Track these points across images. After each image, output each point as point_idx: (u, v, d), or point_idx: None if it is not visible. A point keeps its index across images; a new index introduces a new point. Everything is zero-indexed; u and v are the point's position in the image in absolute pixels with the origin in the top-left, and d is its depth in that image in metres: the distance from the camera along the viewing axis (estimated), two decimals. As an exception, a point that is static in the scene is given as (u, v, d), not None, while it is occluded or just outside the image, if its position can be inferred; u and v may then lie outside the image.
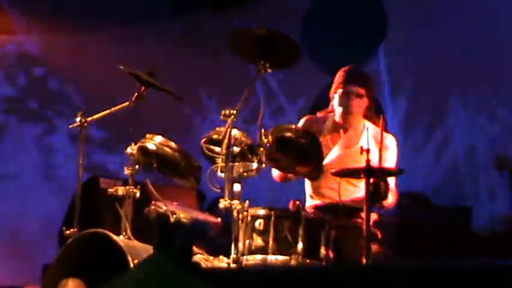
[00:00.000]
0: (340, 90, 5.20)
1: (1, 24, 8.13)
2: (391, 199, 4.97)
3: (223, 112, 4.56)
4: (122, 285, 2.42)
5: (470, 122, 7.44)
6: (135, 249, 4.50)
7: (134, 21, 8.25)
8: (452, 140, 7.47)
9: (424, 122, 7.55)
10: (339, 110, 5.23)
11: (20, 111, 8.28)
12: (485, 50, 7.30)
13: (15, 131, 8.24)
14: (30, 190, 8.05)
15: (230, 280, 2.52)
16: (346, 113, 5.21)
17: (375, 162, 4.72)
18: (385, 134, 5.19)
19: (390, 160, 5.17)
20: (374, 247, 4.71)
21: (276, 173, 5.22)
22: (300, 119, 5.38)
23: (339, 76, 5.24)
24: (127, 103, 5.10)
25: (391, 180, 5.11)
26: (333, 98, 5.27)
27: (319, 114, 5.39)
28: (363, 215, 4.59)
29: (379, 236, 5.01)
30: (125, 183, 4.87)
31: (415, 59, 7.54)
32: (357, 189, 5.07)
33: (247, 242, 4.51)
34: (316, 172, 4.87)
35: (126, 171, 4.84)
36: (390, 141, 5.24)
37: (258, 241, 4.53)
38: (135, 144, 4.83)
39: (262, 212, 4.56)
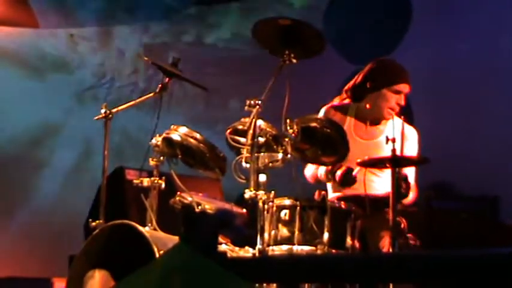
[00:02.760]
0: (390, 89, 5.15)
1: (22, 17, 8.16)
2: (411, 196, 4.96)
3: (248, 102, 4.55)
4: (147, 275, 2.43)
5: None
6: (161, 240, 4.51)
7: (154, 15, 8.27)
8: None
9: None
10: (386, 107, 5.18)
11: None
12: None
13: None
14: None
15: (256, 269, 2.52)
16: (394, 111, 5.16)
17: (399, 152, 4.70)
18: (407, 126, 5.17)
19: (411, 151, 5.14)
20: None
21: (309, 173, 5.21)
22: (321, 108, 5.35)
23: (384, 72, 5.19)
24: (151, 94, 5.10)
25: (411, 175, 5.08)
26: (368, 90, 5.20)
27: (335, 102, 5.35)
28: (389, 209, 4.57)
29: (403, 225, 4.99)
30: (150, 175, 4.88)
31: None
32: (380, 180, 5.06)
33: (272, 232, 4.51)
34: (341, 163, 4.86)
35: (151, 163, 4.85)
36: (411, 132, 5.21)
37: (284, 231, 4.53)
38: (160, 135, 4.84)
39: (287, 202, 4.55)
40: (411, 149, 5.16)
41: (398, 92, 5.17)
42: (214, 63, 8.13)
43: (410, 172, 5.07)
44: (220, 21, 8.23)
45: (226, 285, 2.36)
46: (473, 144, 7.27)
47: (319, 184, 5.19)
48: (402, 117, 4.86)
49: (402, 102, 5.17)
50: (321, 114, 5.26)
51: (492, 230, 6.62)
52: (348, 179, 4.96)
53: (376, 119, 5.24)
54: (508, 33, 7.31)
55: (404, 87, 5.18)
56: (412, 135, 5.22)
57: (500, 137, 7.19)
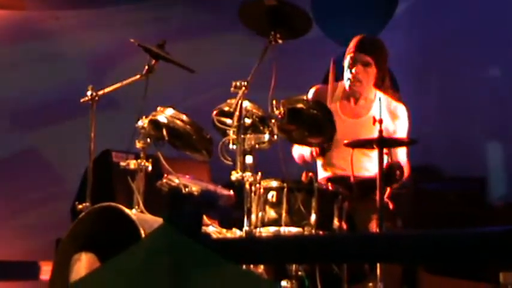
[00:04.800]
0: (348, 58, 5.18)
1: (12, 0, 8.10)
2: (404, 172, 4.96)
3: (234, 83, 4.53)
4: (133, 256, 2.41)
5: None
6: (148, 222, 4.50)
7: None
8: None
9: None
10: (346, 78, 5.21)
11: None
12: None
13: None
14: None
15: (242, 250, 2.50)
16: (353, 80, 5.17)
17: (387, 132, 4.70)
18: (396, 103, 5.18)
19: (402, 130, 5.15)
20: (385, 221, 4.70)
21: (296, 153, 5.20)
22: (310, 89, 5.35)
23: (350, 45, 5.22)
24: (138, 76, 5.07)
25: (403, 153, 5.09)
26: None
27: (329, 85, 5.36)
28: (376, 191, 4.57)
29: (391, 207, 5.00)
30: (137, 157, 4.86)
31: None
32: (370, 160, 5.05)
33: (260, 214, 4.50)
34: (328, 143, 4.86)
35: (138, 145, 4.82)
36: (401, 110, 5.22)
37: (271, 213, 4.52)
38: (146, 117, 4.81)
39: (274, 184, 4.55)
40: (402, 127, 5.17)
41: (353, 61, 5.16)
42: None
43: (401, 149, 5.07)
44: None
45: (212, 267, 2.35)
46: (461, 125, 7.27)
47: (307, 165, 5.19)
48: (390, 92, 4.86)
49: (357, 72, 5.13)
50: (310, 95, 5.26)
51: (480, 211, 6.64)
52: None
53: (352, 94, 5.23)
54: (495, 12, 7.30)
55: (359, 56, 5.16)
56: (402, 112, 5.22)
57: (488, 118, 7.20)
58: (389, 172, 4.68)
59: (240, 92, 4.51)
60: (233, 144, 4.53)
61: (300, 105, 4.60)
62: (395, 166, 4.76)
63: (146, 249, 2.42)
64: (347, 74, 5.18)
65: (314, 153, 5.07)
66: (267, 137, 4.54)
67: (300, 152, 5.18)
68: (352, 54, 5.15)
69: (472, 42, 7.32)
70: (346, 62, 5.19)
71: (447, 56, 7.44)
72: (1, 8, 8.11)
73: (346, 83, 5.21)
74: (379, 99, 4.83)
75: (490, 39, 7.27)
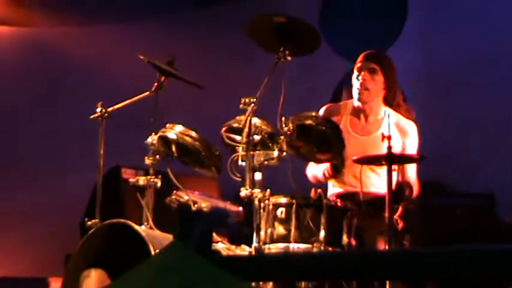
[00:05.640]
0: (355, 69, 5.20)
1: (20, 16, 8.14)
2: (414, 191, 4.96)
3: (243, 100, 4.55)
4: (142, 273, 2.42)
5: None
6: (157, 238, 4.50)
7: (154, 12, 8.24)
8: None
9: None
10: (354, 88, 5.21)
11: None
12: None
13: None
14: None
15: (251, 268, 2.51)
16: (360, 89, 5.17)
17: (396, 149, 4.70)
18: (406, 120, 5.18)
19: (411, 147, 5.15)
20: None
21: (310, 173, 5.20)
22: (321, 106, 5.36)
23: (358, 60, 5.23)
24: (147, 93, 5.09)
25: (413, 170, 5.09)
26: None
27: (341, 103, 5.38)
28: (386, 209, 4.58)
29: (401, 225, 4.98)
30: (146, 173, 4.87)
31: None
32: (379, 177, 5.05)
33: (269, 230, 4.50)
34: (338, 161, 4.87)
35: (147, 161, 4.84)
36: (411, 127, 5.21)
37: (280, 230, 4.52)
38: (156, 134, 4.83)
39: (283, 200, 4.55)
40: (412, 144, 5.16)
41: (359, 69, 5.17)
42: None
43: (411, 167, 5.07)
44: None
45: (221, 284, 2.35)
46: (470, 141, 7.27)
47: (319, 183, 5.18)
48: (402, 109, 4.86)
49: (364, 78, 5.14)
50: (321, 112, 5.26)
51: (488, 227, 6.63)
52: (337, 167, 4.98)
53: (362, 110, 5.22)
54: (499, 29, 7.33)
55: (366, 63, 5.18)
56: (412, 130, 5.21)
57: (496, 134, 7.19)
58: (398, 191, 4.69)
59: (249, 109, 4.52)
60: (242, 160, 4.54)
61: (308, 122, 4.60)
62: (404, 185, 4.78)
63: (156, 266, 2.43)
64: (355, 84, 5.19)
65: (327, 174, 5.05)
66: (276, 153, 4.55)
67: (314, 172, 5.17)
68: (359, 64, 5.17)
69: (479, 60, 7.34)
70: (354, 74, 5.20)
71: (455, 71, 7.45)
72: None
73: (354, 94, 5.21)
74: (388, 116, 4.83)
75: (497, 56, 7.29)
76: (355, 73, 5.20)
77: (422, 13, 7.68)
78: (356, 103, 5.23)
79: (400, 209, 4.98)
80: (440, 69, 7.51)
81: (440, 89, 7.52)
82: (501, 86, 7.26)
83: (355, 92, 5.21)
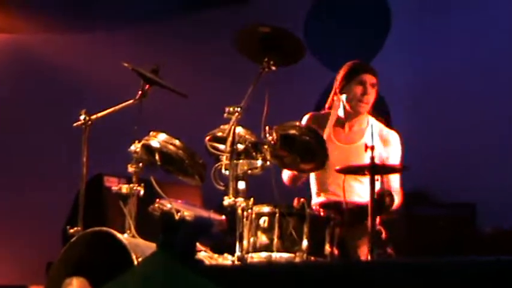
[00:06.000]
0: (353, 81, 5.17)
1: (6, 23, 8.12)
2: (396, 200, 4.97)
3: (227, 109, 4.56)
4: (126, 282, 2.42)
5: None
6: (140, 247, 4.50)
7: (142, 20, 8.24)
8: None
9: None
10: (356, 100, 5.19)
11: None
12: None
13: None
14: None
15: (233, 277, 2.51)
16: (365, 102, 5.17)
17: (379, 159, 4.72)
18: (388, 130, 5.21)
19: (394, 157, 5.17)
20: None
21: (286, 176, 5.20)
22: (304, 116, 5.37)
23: (346, 70, 5.22)
24: (131, 101, 5.08)
25: (396, 180, 5.11)
26: (337, 93, 5.24)
27: (323, 112, 5.38)
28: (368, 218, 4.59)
29: (384, 235, 4.99)
30: (129, 181, 4.86)
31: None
32: (362, 186, 5.06)
33: (251, 239, 4.51)
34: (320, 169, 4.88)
35: (130, 169, 4.83)
36: (393, 137, 5.23)
37: (263, 239, 4.53)
38: (139, 142, 4.82)
39: (266, 209, 4.55)
40: (395, 154, 5.18)
41: (361, 83, 5.17)
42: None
43: (394, 177, 5.09)
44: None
45: (205, 292, 2.35)
46: (451, 151, 7.30)
47: (299, 190, 5.18)
48: (381, 119, 4.87)
49: (368, 93, 5.16)
50: (303, 122, 5.26)
51: (469, 237, 6.66)
52: None
53: (346, 120, 5.23)
54: (487, 38, 7.36)
55: (368, 77, 5.18)
56: (394, 139, 5.23)
57: (478, 144, 7.22)
58: (379, 199, 4.70)
59: (233, 118, 4.53)
60: (226, 169, 4.55)
61: (292, 132, 4.61)
62: (385, 193, 4.78)
63: (140, 275, 2.43)
64: (358, 98, 5.16)
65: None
66: (259, 162, 4.56)
67: (287, 173, 5.16)
68: (363, 78, 5.15)
69: (464, 71, 7.38)
70: (357, 88, 5.15)
71: (439, 82, 7.49)
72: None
73: (354, 106, 5.18)
74: (371, 126, 4.85)
75: (483, 67, 7.33)
76: (359, 86, 5.16)
77: (407, 22, 7.72)
78: (341, 113, 5.23)
79: (378, 218, 4.99)
80: (424, 78, 7.54)
81: (423, 98, 7.54)
82: (485, 97, 7.30)
83: (355, 104, 5.18)
